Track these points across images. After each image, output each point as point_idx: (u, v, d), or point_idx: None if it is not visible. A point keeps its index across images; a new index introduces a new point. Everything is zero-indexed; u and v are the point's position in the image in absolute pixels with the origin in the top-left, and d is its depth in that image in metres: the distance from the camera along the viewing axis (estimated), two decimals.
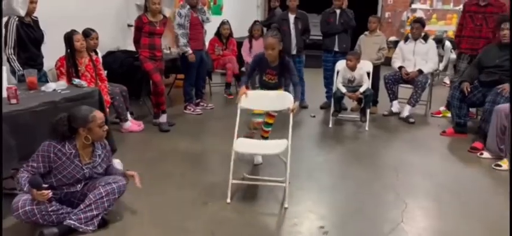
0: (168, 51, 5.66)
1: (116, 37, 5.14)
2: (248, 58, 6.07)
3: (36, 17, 3.57)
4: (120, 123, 4.24)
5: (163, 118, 4.48)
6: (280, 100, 2.99)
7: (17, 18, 3.29)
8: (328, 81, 5.34)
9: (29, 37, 3.40)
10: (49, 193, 2.19)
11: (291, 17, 5.31)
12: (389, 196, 2.94)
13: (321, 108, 5.45)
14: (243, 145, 2.89)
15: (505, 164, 3.44)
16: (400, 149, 4.04)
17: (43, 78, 3.58)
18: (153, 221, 2.51)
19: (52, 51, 3.64)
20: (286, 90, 3.21)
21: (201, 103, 5.33)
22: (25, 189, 2.24)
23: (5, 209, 2.30)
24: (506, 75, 3.89)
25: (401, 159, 3.72)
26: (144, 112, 4.93)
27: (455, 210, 2.76)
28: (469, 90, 4.12)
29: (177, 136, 4.24)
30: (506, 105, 3.59)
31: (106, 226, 2.39)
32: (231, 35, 6.23)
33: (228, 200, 2.74)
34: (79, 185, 2.38)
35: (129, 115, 4.36)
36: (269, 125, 3.39)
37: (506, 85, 3.80)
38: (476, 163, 3.62)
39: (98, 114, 2.33)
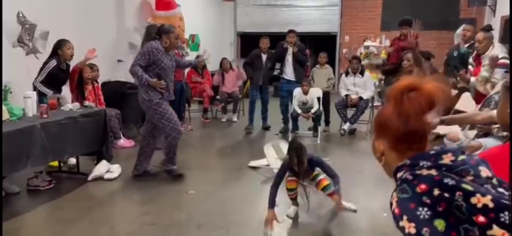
0: None
1: (107, 70, 6.07)
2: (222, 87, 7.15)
3: (69, 63, 4.31)
4: (114, 140, 5.09)
5: None
6: None
7: (55, 63, 4.08)
8: (284, 109, 6.15)
9: (57, 78, 4.18)
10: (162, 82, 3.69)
11: (263, 56, 6.33)
12: None
13: (280, 132, 6.11)
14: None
15: None
16: (342, 155, 5.09)
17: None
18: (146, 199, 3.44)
19: None
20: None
21: (182, 125, 6.26)
22: (145, 78, 3.62)
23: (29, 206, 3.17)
24: None
25: (341, 161, 4.75)
26: (133, 133, 5.81)
27: (370, 190, 3.79)
28: None
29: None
30: None
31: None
32: (205, 66, 7.31)
33: None
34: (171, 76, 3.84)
35: (121, 134, 5.24)
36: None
37: None
38: None
39: (177, 30, 3.79)
